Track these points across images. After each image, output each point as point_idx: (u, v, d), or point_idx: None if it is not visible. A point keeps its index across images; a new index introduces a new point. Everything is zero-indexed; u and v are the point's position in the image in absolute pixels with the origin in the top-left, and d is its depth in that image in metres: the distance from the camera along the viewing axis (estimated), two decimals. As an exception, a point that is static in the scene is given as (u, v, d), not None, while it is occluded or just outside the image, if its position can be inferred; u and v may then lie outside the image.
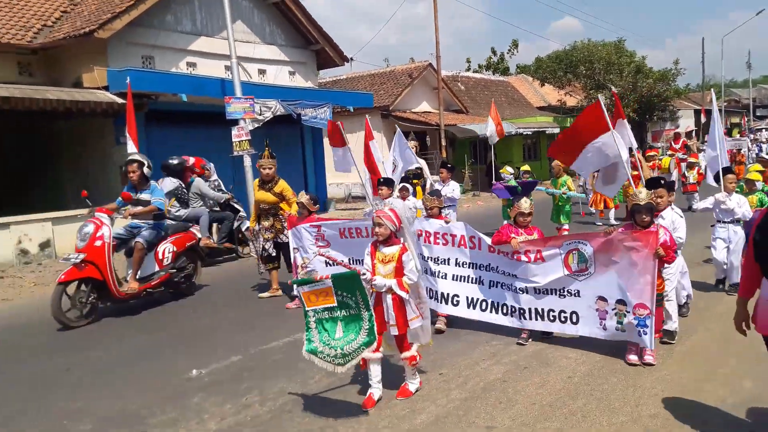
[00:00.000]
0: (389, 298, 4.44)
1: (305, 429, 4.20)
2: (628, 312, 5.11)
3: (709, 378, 4.82)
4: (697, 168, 15.09)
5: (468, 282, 6.16)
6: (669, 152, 19.72)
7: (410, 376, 4.71)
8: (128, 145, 10.32)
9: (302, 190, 7.86)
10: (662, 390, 4.61)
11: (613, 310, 5.21)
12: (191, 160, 10.81)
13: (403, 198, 8.49)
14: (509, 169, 12.40)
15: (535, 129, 28.06)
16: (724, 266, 7.33)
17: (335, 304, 4.23)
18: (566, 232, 10.10)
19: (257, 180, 8.02)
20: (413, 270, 4.45)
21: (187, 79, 14.71)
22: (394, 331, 4.48)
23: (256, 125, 14.59)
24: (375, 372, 4.52)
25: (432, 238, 6.34)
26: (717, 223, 7.35)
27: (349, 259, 6.92)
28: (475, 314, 6.10)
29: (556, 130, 29.08)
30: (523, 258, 5.66)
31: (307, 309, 4.30)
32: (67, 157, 15.07)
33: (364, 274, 4.38)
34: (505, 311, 5.92)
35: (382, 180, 8.54)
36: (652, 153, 17.86)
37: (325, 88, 23.41)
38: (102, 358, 5.99)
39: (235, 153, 13.35)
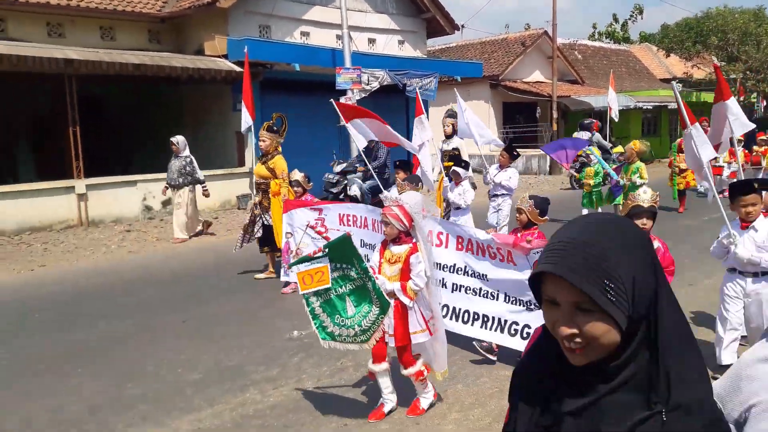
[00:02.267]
0: (391, 303, 3.91)
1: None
2: None
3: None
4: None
5: (445, 288, 5.29)
6: None
7: (421, 391, 4.18)
8: (243, 113, 10.86)
9: (295, 169, 7.34)
10: None
11: None
12: None
13: (456, 183, 7.84)
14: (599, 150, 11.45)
15: (657, 103, 26.32)
16: None
17: (329, 285, 3.78)
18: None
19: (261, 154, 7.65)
20: (421, 275, 3.92)
21: (300, 48, 15.15)
22: (392, 342, 4.00)
23: (364, 95, 14.81)
24: (384, 384, 4.11)
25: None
26: None
27: None
28: (452, 325, 5.14)
29: (680, 105, 27.14)
30: (489, 258, 4.83)
31: (303, 293, 3.82)
32: (188, 122, 16.10)
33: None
34: (465, 319, 5.07)
35: (398, 162, 7.81)
36: (764, 137, 16.17)
37: (434, 57, 23.22)
38: (214, 313, 6.53)
39: (341, 123, 13.65)
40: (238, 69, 13.15)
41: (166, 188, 10.83)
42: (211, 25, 14.43)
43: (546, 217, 4.88)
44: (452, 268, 5.10)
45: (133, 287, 7.70)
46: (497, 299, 4.88)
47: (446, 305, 5.14)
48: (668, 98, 27.44)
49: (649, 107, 26.23)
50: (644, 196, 4.24)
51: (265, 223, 7.48)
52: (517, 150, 9.16)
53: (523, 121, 24.43)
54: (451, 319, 5.11)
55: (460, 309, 5.11)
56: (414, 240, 4.01)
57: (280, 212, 6.87)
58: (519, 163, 23.16)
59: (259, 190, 7.53)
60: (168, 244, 10.44)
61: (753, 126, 5.72)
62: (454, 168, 7.86)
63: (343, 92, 13.72)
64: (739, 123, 5.35)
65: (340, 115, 7.17)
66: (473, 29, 62.10)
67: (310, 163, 11.68)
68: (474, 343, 5.02)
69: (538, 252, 4.37)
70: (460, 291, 5.12)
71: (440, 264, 5.08)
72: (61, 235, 11.18)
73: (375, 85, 15.42)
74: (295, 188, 7.18)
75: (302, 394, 4.55)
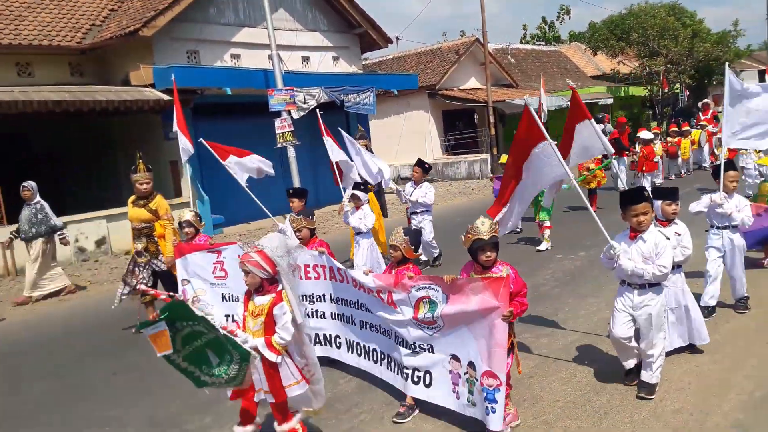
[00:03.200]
0: (258, 360, 3.57)
1: None
2: (477, 379, 3.88)
3: (738, 369, 4.68)
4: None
5: (343, 321, 5.10)
6: (699, 125, 18.43)
7: None
8: (180, 142, 10.46)
9: (187, 208, 6.86)
10: (689, 383, 4.52)
11: (465, 374, 3.99)
12: None
13: (357, 207, 7.59)
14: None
15: (587, 101, 27.06)
16: (717, 285, 5.84)
17: (171, 351, 3.41)
18: (548, 231, 9.44)
19: (132, 197, 7.02)
20: (287, 326, 3.53)
21: (230, 72, 14.86)
22: (270, 399, 3.68)
23: (302, 113, 14.64)
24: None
25: (302, 272, 5.20)
26: (711, 229, 5.97)
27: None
28: (354, 360, 5.01)
29: (610, 101, 28.06)
30: (377, 298, 4.51)
31: (159, 355, 3.44)
32: (120, 154, 15.54)
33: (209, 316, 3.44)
34: (375, 358, 4.79)
35: (291, 191, 7.18)
36: (685, 128, 16.74)
37: (370, 71, 23.26)
38: (140, 365, 6.13)
39: (279, 144, 13.48)
40: (166, 97, 12.77)
41: (11, 240, 9.76)
42: (135, 55, 13.97)
43: (420, 252, 4.67)
44: (356, 303, 4.82)
45: (58, 342, 7.23)
46: (383, 335, 4.65)
47: (329, 334, 5.17)
48: (599, 95, 28.33)
49: (582, 105, 26.92)
50: (483, 228, 3.84)
51: (157, 269, 6.85)
52: (428, 164, 9.09)
53: (463, 128, 24.72)
54: (338, 347, 5.12)
55: (348, 339, 5.03)
56: (280, 288, 3.61)
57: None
58: (462, 169, 23.42)
59: (141, 235, 6.85)
60: (102, 287, 9.92)
61: (604, 152, 5.62)
62: (353, 192, 7.64)
63: (278, 114, 13.51)
64: (586, 148, 5.32)
65: (216, 156, 7.40)
66: (409, 41, 62.93)
67: (254, 186, 11.40)
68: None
69: (420, 288, 4.12)
70: (338, 320, 5.07)
71: (345, 299, 4.93)
72: (-13, 286, 10.51)
73: (312, 103, 15.25)
74: (186, 229, 6.63)
75: None
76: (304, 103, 15.00)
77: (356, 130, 19.42)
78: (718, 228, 5.87)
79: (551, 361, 5.13)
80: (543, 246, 9.47)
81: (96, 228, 12.13)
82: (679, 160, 16.92)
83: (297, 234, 5.42)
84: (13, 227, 10.89)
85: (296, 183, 13.37)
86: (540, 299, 6.84)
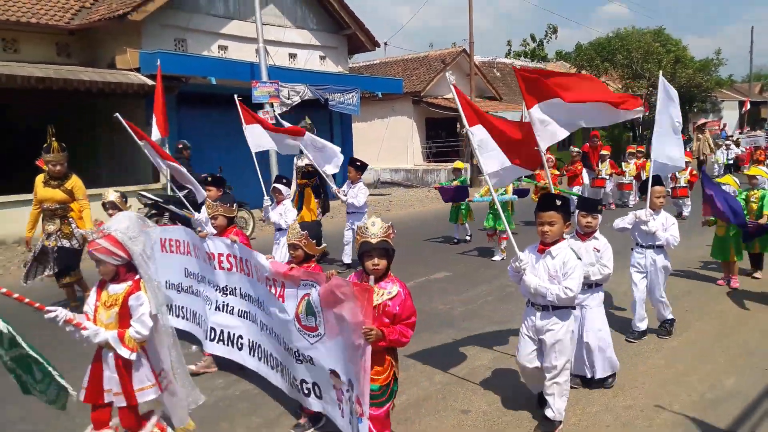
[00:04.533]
0: (110, 356, 3.18)
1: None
2: (352, 401, 3.34)
3: (693, 373, 4.85)
4: (690, 168, 12.91)
5: (249, 320, 4.62)
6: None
7: None
8: (153, 127, 10.58)
9: (110, 188, 6.61)
10: (643, 383, 4.67)
11: (347, 391, 3.44)
12: None
13: (278, 201, 7.28)
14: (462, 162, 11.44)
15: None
16: (643, 306, 5.60)
17: None
18: (505, 241, 9.11)
19: (40, 176, 6.69)
20: (144, 319, 3.16)
21: (216, 62, 15.02)
22: (120, 402, 3.21)
23: (285, 109, 14.82)
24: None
25: (217, 261, 4.85)
26: (635, 247, 5.64)
27: (166, 283, 5.46)
28: (254, 364, 4.54)
29: (591, 120, 28.56)
30: (269, 292, 4.10)
31: None
32: (102, 136, 15.57)
33: (53, 313, 3.02)
34: (272, 364, 4.30)
35: (210, 179, 6.46)
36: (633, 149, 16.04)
37: (357, 73, 23.52)
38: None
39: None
40: (150, 83, 12.88)
41: None
42: (123, 39, 14.08)
43: (324, 245, 4.20)
44: (258, 301, 4.42)
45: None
46: (273, 336, 4.22)
47: (233, 333, 4.74)
48: (581, 113, 28.84)
49: (563, 122, 27.44)
50: (372, 229, 3.31)
51: (64, 245, 6.60)
52: (361, 161, 8.70)
53: (445, 136, 25.07)
54: (240, 349, 4.67)
55: (250, 341, 4.58)
56: (137, 275, 3.25)
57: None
58: (442, 177, 23.73)
59: (55, 216, 6.60)
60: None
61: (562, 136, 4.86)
62: (275, 185, 7.35)
63: (261, 106, 13.68)
64: (547, 133, 4.67)
65: (133, 135, 6.61)
66: (398, 47, 63.49)
67: (229, 178, 11.50)
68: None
69: (308, 284, 3.65)
70: (245, 318, 4.64)
71: (250, 296, 4.54)
72: (-42, 258, 10.52)
73: (296, 99, 15.48)
74: (110, 210, 6.34)
75: (217, 397, 4.55)
76: (288, 98, 15.21)
77: (338, 130, 19.72)
78: (642, 247, 5.55)
79: (510, 356, 5.03)
80: (497, 257, 9.26)
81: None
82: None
83: (212, 222, 5.06)
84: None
85: (275, 174, 13.51)
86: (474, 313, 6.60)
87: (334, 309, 3.39)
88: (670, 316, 5.68)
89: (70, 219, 6.65)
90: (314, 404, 3.82)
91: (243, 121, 7.41)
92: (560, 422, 3.93)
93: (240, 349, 4.67)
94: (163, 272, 5.42)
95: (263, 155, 14.27)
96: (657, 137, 5.31)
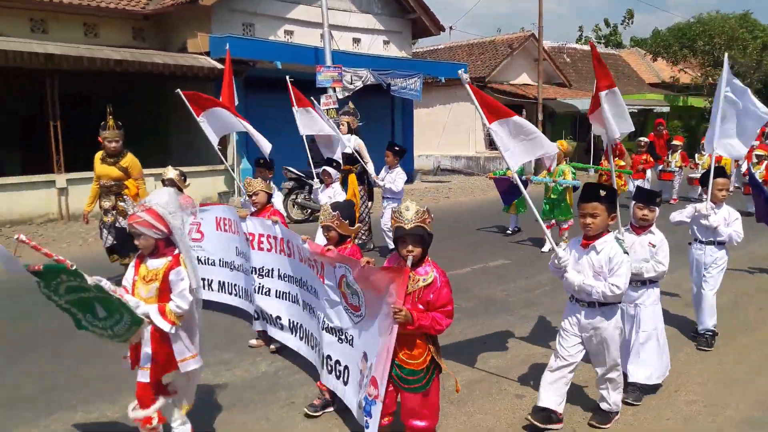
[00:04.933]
0: (147, 331, 3.22)
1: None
2: (366, 384, 3.34)
3: (763, 372, 4.67)
4: (766, 162, 11.98)
5: (289, 300, 4.66)
6: None
7: None
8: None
9: (169, 165, 6.66)
10: (708, 379, 4.55)
11: (367, 376, 3.38)
12: None
13: (327, 185, 7.34)
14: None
15: (642, 107, 26.54)
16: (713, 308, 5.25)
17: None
18: (566, 233, 8.83)
19: (99, 153, 6.84)
20: (184, 294, 3.20)
21: (282, 46, 15.27)
22: (143, 378, 3.26)
23: (347, 94, 14.93)
24: (169, 417, 3.45)
25: (256, 242, 4.88)
26: (693, 243, 5.29)
27: (220, 261, 5.65)
28: (295, 343, 4.60)
29: (666, 109, 27.40)
30: (313, 271, 4.09)
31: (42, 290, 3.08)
32: (172, 119, 16.17)
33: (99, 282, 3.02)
34: (312, 344, 4.33)
35: (261, 161, 6.58)
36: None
37: (421, 58, 23.36)
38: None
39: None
40: (220, 66, 13.25)
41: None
42: (194, 23, 14.54)
43: (358, 225, 4.03)
44: (300, 281, 4.43)
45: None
46: (314, 316, 4.22)
47: (270, 313, 4.79)
48: (655, 102, 27.70)
49: (634, 110, 26.43)
50: (407, 214, 3.17)
51: (119, 226, 6.73)
52: (400, 146, 8.60)
53: (509, 123, 24.57)
54: (281, 329, 4.72)
55: (291, 321, 4.60)
56: (177, 251, 3.26)
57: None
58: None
59: (110, 193, 6.79)
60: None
61: (630, 129, 4.65)
62: (324, 168, 7.35)
63: (324, 90, 13.83)
64: (615, 123, 4.41)
65: (190, 107, 6.55)
66: (463, 32, 62.60)
67: (293, 162, 11.75)
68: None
69: (342, 267, 3.61)
70: (285, 299, 4.67)
71: (291, 276, 4.53)
72: (41, 229, 11.24)
73: (358, 84, 15.56)
74: (170, 188, 6.45)
75: (253, 375, 4.70)
76: (351, 83, 15.31)
77: (399, 115, 19.65)
78: (701, 242, 5.19)
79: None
80: (546, 247, 8.94)
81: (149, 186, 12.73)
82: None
83: (253, 198, 5.03)
84: (70, 175, 11.56)
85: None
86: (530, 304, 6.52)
87: (371, 289, 3.35)
88: (712, 327, 5.20)
89: (125, 197, 6.77)
90: (337, 386, 3.79)
91: (294, 103, 7.51)
92: (616, 413, 3.86)
93: (281, 329, 4.71)
94: (218, 250, 5.66)
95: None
96: (716, 125, 5.05)
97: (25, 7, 13.36)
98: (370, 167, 8.57)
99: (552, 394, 3.69)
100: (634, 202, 4.36)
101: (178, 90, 6.76)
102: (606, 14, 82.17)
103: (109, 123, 6.67)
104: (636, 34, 48.36)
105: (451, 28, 31.34)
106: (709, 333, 5.17)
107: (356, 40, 18.14)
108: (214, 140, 6.80)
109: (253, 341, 5.20)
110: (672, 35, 32.12)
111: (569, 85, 27.16)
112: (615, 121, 4.42)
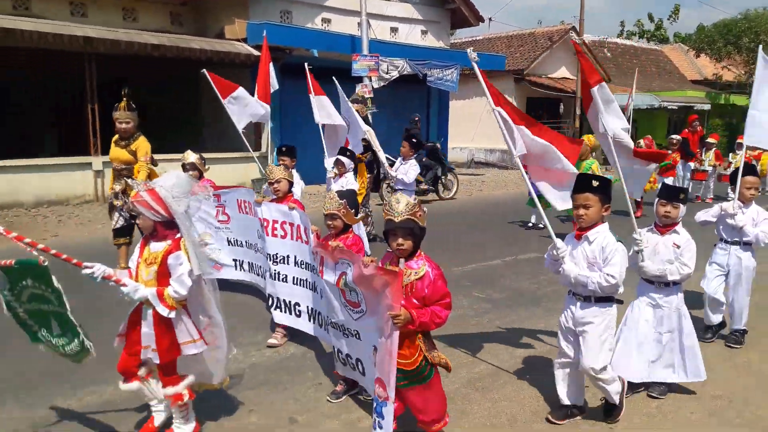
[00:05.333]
0: (149, 313, 3.20)
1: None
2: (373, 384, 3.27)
3: None
4: None
5: (307, 287, 4.55)
6: None
7: (178, 418, 3.41)
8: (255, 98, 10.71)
9: (188, 150, 6.58)
10: (738, 376, 4.45)
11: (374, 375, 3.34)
12: None
13: (340, 174, 7.29)
14: None
15: (682, 104, 25.78)
16: (721, 306, 5.09)
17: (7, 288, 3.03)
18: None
19: (116, 136, 6.70)
20: (182, 279, 3.13)
21: (319, 34, 15.15)
22: (156, 359, 3.25)
23: (383, 83, 14.78)
24: (147, 397, 3.45)
25: (270, 228, 4.82)
26: (718, 243, 5.12)
27: (245, 243, 5.60)
28: (314, 330, 4.52)
29: (707, 107, 26.59)
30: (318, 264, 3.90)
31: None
32: (207, 105, 16.21)
33: (90, 269, 3.04)
34: (311, 317, 4.44)
35: (284, 149, 6.66)
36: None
37: (458, 49, 23.02)
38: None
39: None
40: (257, 53, 13.16)
41: None
42: (231, 9, 14.50)
43: (361, 215, 3.96)
44: (294, 260, 4.49)
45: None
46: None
47: (288, 300, 4.70)
48: (696, 99, 26.88)
49: (674, 107, 25.71)
50: (397, 207, 3.11)
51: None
52: (418, 138, 8.46)
53: (546, 117, 24.13)
54: (298, 315, 4.65)
55: (309, 308, 4.52)
56: (178, 234, 3.20)
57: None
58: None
59: (121, 176, 6.64)
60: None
61: (625, 126, 4.33)
62: (337, 157, 7.30)
63: (360, 79, 13.69)
64: (608, 118, 4.15)
65: (215, 89, 6.60)
66: (503, 23, 61.66)
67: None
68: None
69: (345, 263, 3.43)
70: (302, 286, 4.58)
71: (309, 264, 4.41)
72: (77, 209, 11.40)
73: (394, 74, 15.38)
74: (190, 172, 6.24)
75: (282, 356, 4.74)
76: (387, 72, 15.13)
77: (435, 106, 19.41)
78: (726, 243, 5.02)
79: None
80: None
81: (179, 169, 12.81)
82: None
83: (275, 186, 4.97)
84: (105, 158, 11.61)
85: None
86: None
87: (369, 289, 3.22)
88: (742, 327, 5.05)
89: (134, 179, 6.56)
90: (360, 379, 3.69)
91: (311, 90, 7.44)
92: (622, 407, 3.71)
93: (298, 315, 4.62)
94: (244, 232, 5.61)
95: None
96: (752, 119, 4.86)
97: (66, -9, 13.49)
98: (382, 155, 8.42)
99: (567, 390, 3.71)
100: (657, 198, 4.13)
101: (204, 70, 6.69)
102: (650, 9, 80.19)
103: (121, 104, 6.48)
104: (681, 30, 47.02)
105: (490, 19, 30.87)
106: (739, 332, 5.04)
107: (394, 29, 17.93)
108: (239, 124, 6.77)
109: (273, 340, 4.93)
110: (717, 31, 31.11)
111: (609, 80, 26.49)
112: (609, 116, 4.17)
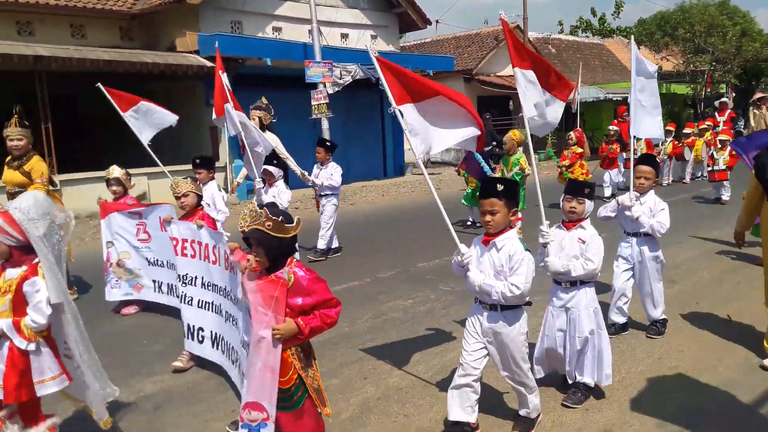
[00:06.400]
0: (6, 345, 2.93)
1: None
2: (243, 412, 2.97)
3: (743, 339, 4.91)
4: (729, 148, 11.13)
5: (211, 310, 4.26)
6: (699, 128, 15.11)
7: None
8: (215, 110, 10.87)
9: (114, 165, 6.21)
10: (689, 346, 4.81)
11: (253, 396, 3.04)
12: None
13: (269, 184, 7.04)
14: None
15: (626, 95, 26.77)
16: (625, 304, 5.00)
17: None
18: (519, 222, 8.31)
19: (9, 157, 6.10)
20: (40, 307, 2.88)
21: (271, 43, 15.37)
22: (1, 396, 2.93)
23: (337, 89, 15.09)
24: None
25: (180, 247, 4.48)
26: (623, 236, 5.03)
27: (166, 262, 5.38)
28: (218, 357, 4.21)
29: (650, 96, 27.67)
30: (236, 275, 3.56)
31: None
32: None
33: None
34: (233, 359, 3.89)
35: (198, 161, 6.41)
36: (687, 130, 15.09)
37: (408, 52, 23.51)
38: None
39: (314, 116, 13.95)
40: (209, 64, 13.34)
41: None
42: (182, 22, 14.60)
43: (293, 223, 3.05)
44: (224, 290, 4.02)
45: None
46: (236, 327, 3.77)
47: (192, 325, 4.41)
48: (639, 90, 27.93)
49: (618, 99, 26.74)
50: (242, 216, 2.88)
51: None
52: (332, 141, 8.33)
53: (497, 115, 24.80)
54: (200, 342, 4.36)
55: (213, 333, 4.24)
56: (36, 259, 2.93)
57: None
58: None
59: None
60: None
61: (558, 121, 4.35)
62: (265, 167, 6.93)
63: (314, 86, 13.97)
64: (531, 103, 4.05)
65: (113, 103, 6.36)
66: (450, 25, 62.80)
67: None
68: None
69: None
70: (207, 309, 4.29)
71: (216, 285, 4.13)
72: (35, 230, 11.29)
73: (348, 79, 15.71)
74: (114, 188, 6.05)
75: (198, 379, 4.57)
76: (340, 78, 15.45)
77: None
78: (629, 235, 4.94)
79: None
80: None
81: (138, 183, 12.82)
82: (689, 164, 15.05)
83: (182, 200, 4.74)
84: (63, 176, 11.61)
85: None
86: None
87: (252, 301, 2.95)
88: (661, 316, 5.03)
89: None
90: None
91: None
92: (538, 416, 3.58)
93: (201, 341, 4.35)
94: (165, 252, 5.39)
95: (318, 133, 14.59)
96: (634, 112, 5.07)
97: (10, 10, 13.34)
98: (291, 162, 8.01)
99: (461, 406, 3.41)
100: (564, 194, 4.00)
101: (99, 84, 6.42)
102: (589, 3, 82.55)
103: (12, 120, 5.92)
104: (623, 25, 48.68)
105: (437, 21, 31.53)
106: (659, 322, 5.03)
107: (344, 36, 18.26)
108: (143, 136, 6.50)
109: (178, 363, 4.57)
110: (654, 23, 32.50)
111: (555, 76, 27.39)
112: (532, 101, 4.10)
